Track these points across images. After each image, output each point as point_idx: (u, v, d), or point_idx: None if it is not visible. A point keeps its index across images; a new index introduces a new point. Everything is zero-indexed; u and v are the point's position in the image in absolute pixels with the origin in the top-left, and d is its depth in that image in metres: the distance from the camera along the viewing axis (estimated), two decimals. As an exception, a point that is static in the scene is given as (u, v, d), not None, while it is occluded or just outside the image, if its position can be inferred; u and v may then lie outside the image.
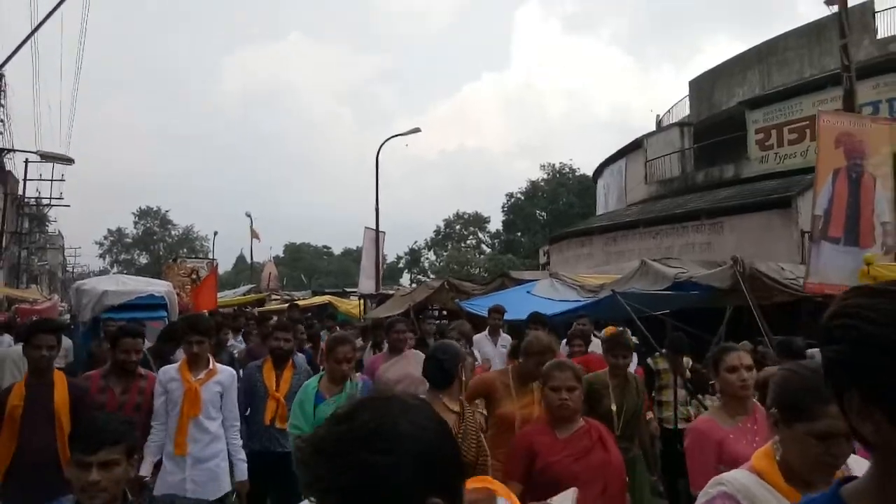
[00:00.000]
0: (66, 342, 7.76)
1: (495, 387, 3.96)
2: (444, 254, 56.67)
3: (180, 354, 4.84)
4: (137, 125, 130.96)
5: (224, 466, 4.25)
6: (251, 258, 42.43)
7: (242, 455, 4.35)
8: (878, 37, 16.35)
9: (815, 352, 5.34)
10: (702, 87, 21.59)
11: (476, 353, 6.45)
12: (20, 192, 31.73)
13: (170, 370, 4.29)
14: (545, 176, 53.13)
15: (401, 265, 60.11)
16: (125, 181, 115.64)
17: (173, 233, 74.42)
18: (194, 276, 20.90)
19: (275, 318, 10.84)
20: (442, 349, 3.36)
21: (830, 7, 8.19)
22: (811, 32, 17.91)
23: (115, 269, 64.58)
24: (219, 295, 17.14)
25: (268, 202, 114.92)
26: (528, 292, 9.50)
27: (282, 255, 70.21)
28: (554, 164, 53.36)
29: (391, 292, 16.93)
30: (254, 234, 38.05)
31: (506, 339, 7.29)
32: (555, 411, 3.09)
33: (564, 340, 6.73)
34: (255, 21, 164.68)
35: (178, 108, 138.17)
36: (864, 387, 0.87)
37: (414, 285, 19.17)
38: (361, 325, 11.39)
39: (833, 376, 0.93)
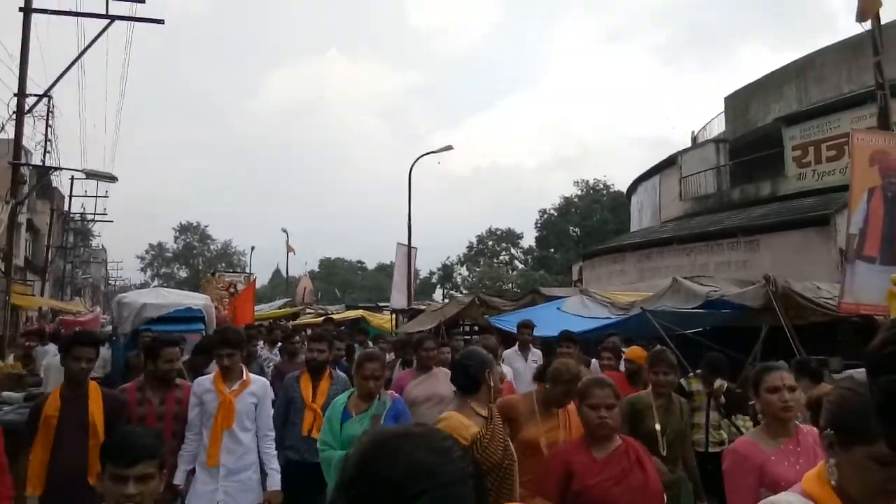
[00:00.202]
0: (104, 353, 8.02)
1: (519, 410, 3.85)
2: (477, 270, 56.68)
3: (213, 367, 4.88)
4: (178, 143, 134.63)
5: (256, 478, 4.27)
6: (286, 272, 43.02)
7: (276, 465, 4.34)
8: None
9: (852, 373, 5.21)
10: (737, 103, 21.28)
11: (505, 368, 6.46)
12: (66, 208, 32.90)
13: (204, 382, 4.34)
14: (579, 192, 53.01)
15: (433, 280, 60.28)
16: (166, 197, 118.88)
17: (212, 247, 76.04)
18: (232, 290, 21.37)
19: (308, 330, 10.96)
20: (467, 356, 3.36)
21: (863, 25, 8.07)
22: (849, 48, 17.53)
23: (155, 283, 66.24)
24: (255, 308, 17.49)
25: (304, 217, 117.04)
26: (557, 309, 9.47)
27: (317, 269, 71.10)
28: (588, 181, 53.34)
29: (422, 307, 17.02)
30: (289, 249, 38.62)
31: (536, 353, 7.30)
32: (594, 430, 3.00)
33: (594, 360, 6.72)
34: (293, 40, 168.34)
35: (218, 126, 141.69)
36: None
37: (446, 300, 19.21)
38: (394, 339, 11.45)
39: (891, 409, 0.83)
